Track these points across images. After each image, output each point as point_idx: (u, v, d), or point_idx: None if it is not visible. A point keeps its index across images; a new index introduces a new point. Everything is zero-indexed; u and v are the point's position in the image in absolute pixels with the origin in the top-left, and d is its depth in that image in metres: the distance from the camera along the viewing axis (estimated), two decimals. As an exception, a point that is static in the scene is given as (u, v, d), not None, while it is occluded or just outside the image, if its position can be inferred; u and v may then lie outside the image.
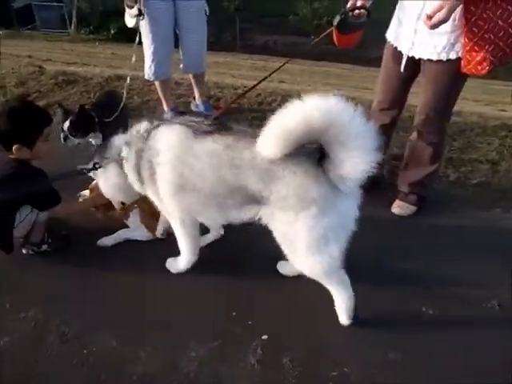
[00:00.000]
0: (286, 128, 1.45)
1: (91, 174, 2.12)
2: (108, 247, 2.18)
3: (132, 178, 1.92)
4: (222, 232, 2.21)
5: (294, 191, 1.54)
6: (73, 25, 16.88)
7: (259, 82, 2.22)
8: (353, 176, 1.47)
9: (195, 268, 2.05)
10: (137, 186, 1.94)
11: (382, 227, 2.43)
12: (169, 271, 2.05)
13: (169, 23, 3.05)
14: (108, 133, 2.54)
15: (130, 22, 3.00)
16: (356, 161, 1.43)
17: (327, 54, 16.10)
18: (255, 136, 1.55)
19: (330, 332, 1.80)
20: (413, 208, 2.53)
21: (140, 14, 2.89)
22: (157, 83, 3.36)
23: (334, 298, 1.80)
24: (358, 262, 2.11)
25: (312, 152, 1.54)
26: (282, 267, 2.03)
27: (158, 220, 2.18)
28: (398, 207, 2.54)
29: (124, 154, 1.91)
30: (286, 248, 1.69)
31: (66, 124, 2.54)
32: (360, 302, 1.90)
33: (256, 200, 1.63)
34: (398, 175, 2.76)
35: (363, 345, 1.75)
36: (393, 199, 2.60)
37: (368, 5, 2.02)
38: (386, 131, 2.55)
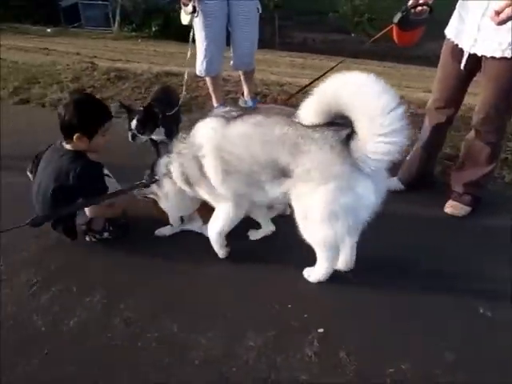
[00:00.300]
0: (320, 96, 1.56)
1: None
2: (165, 237, 2.26)
3: (181, 182, 2.01)
4: (273, 228, 2.24)
5: (317, 165, 1.63)
6: (116, 23, 17.34)
7: (314, 81, 2.26)
8: (377, 156, 1.52)
9: (250, 259, 2.10)
10: (187, 190, 2.03)
11: (435, 227, 2.41)
12: (225, 261, 2.11)
13: (222, 20, 3.11)
14: (168, 127, 2.64)
15: (184, 18, 3.08)
16: (380, 139, 1.48)
17: (367, 51, 15.89)
18: (283, 112, 1.72)
19: (385, 328, 1.81)
20: (467, 209, 2.48)
21: (194, 11, 2.96)
22: (207, 79, 3.43)
23: (318, 260, 1.93)
24: (410, 261, 2.13)
25: (340, 130, 1.61)
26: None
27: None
28: (452, 207, 2.49)
29: (170, 163, 2.02)
30: (298, 216, 1.79)
31: (134, 123, 2.58)
32: (415, 301, 1.91)
33: (285, 173, 1.72)
34: (450, 175, 2.72)
35: (419, 343, 1.74)
36: (445, 199, 2.56)
37: (430, 1, 1.99)
38: (441, 130, 2.52)
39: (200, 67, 3.29)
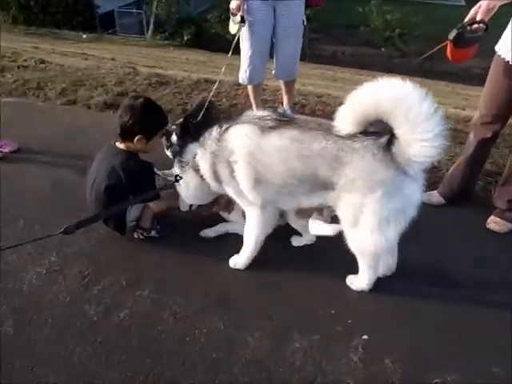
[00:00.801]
0: (357, 104, 1.60)
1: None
2: (210, 238, 2.32)
3: (209, 178, 2.05)
4: (314, 238, 2.25)
5: (361, 174, 1.67)
6: (150, 31, 17.75)
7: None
8: (420, 159, 1.58)
9: (294, 264, 2.14)
10: (214, 186, 2.08)
11: (477, 242, 2.40)
12: (271, 264, 2.15)
13: (268, 30, 3.19)
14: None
15: (233, 28, 3.16)
16: (423, 144, 1.53)
17: (396, 66, 15.86)
18: (319, 126, 1.74)
19: (431, 337, 1.82)
20: (510, 225, 2.46)
21: (243, 21, 3.05)
22: (249, 87, 3.50)
23: (361, 270, 1.95)
24: (454, 274, 2.13)
25: (379, 136, 1.65)
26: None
27: None
28: (495, 223, 2.48)
29: (199, 157, 2.06)
30: (346, 226, 1.82)
31: (174, 138, 2.47)
32: (460, 313, 1.91)
33: (324, 186, 1.76)
34: (490, 191, 2.72)
35: (466, 355, 1.75)
36: (486, 215, 2.55)
37: (487, 19, 2.02)
38: (486, 145, 2.52)
39: (243, 75, 3.37)
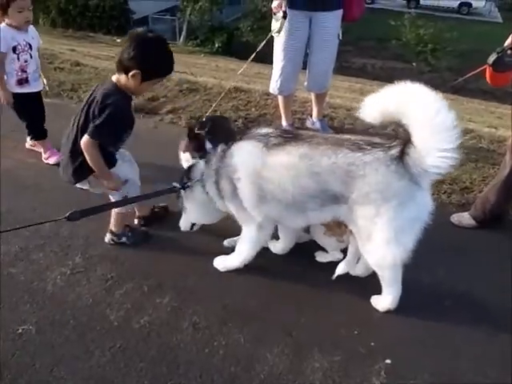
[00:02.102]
0: (384, 100, 1.62)
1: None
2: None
3: (213, 194, 2.04)
4: (341, 256, 2.18)
5: (376, 187, 1.65)
6: (182, 37, 18.06)
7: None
8: (436, 170, 1.58)
9: (317, 282, 2.10)
10: (218, 202, 2.06)
11: (508, 268, 2.31)
12: (293, 281, 2.12)
13: (303, 41, 3.19)
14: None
15: (275, 25, 3.13)
16: (440, 154, 1.53)
17: (426, 81, 15.60)
18: (326, 141, 1.73)
19: (457, 366, 1.75)
20: (544, 253, 2.36)
21: (285, 16, 3.02)
22: (279, 97, 3.50)
23: (384, 287, 1.91)
24: (485, 299, 2.06)
25: (390, 149, 1.65)
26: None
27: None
28: (528, 249, 2.39)
29: (204, 173, 2.04)
30: (361, 239, 1.79)
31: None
32: (488, 339, 1.84)
33: (336, 200, 1.74)
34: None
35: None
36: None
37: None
38: (521, 168, 2.43)
39: (274, 85, 3.37)
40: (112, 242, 2.31)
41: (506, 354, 1.79)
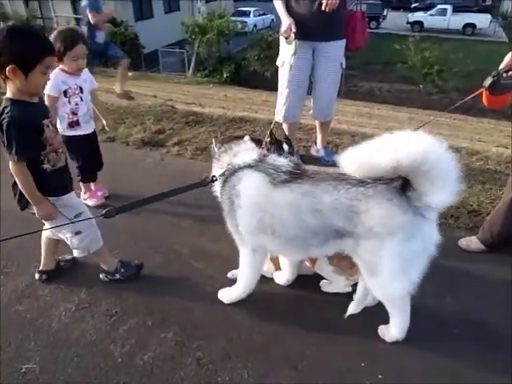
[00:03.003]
0: (374, 162, 1.57)
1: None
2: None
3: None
4: (349, 289, 2.14)
5: (379, 221, 1.62)
6: (191, 68, 18.49)
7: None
8: (439, 205, 1.58)
9: (323, 313, 2.07)
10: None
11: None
12: (298, 312, 2.09)
13: (307, 71, 3.25)
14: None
15: (287, 50, 3.16)
16: (442, 193, 1.53)
17: (435, 102, 15.66)
18: (329, 176, 1.70)
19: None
20: (556, 276, 2.30)
21: (296, 37, 3.05)
22: (285, 125, 3.53)
23: (391, 317, 1.88)
24: (493, 328, 2.00)
25: (391, 182, 1.61)
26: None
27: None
28: (539, 273, 2.33)
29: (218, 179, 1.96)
30: (367, 273, 1.76)
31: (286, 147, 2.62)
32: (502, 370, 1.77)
33: (339, 235, 1.71)
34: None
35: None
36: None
37: (523, 65, 1.96)
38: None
39: (279, 113, 3.41)
40: (107, 280, 2.31)
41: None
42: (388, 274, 1.70)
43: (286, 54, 3.19)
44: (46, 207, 1.96)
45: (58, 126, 2.68)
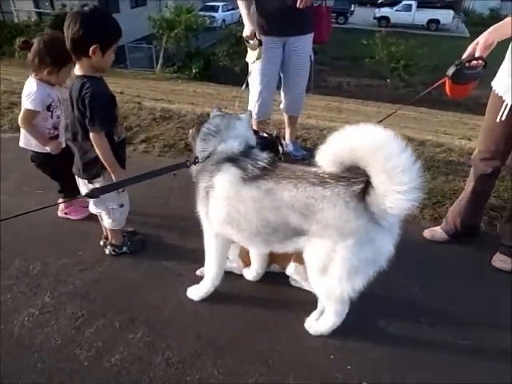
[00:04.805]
0: (337, 147, 1.56)
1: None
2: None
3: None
4: None
5: (333, 222, 1.61)
6: (159, 64, 18.24)
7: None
8: (394, 211, 1.51)
9: (294, 307, 2.08)
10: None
11: (481, 281, 2.33)
12: (268, 307, 2.10)
13: (277, 66, 3.25)
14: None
15: (251, 55, 3.15)
16: (399, 196, 1.47)
17: (401, 96, 16.00)
18: (293, 174, 1.70)
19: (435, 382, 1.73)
20: (516, 263, 2.39)
21: (260, 43, 3.05)
22: (255, 122, 3.51)
23: (326, 314, 1.91)
24: (458, 316, 2.06)
25: (352, 183, 1.59)
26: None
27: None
28: (500, 261, 2.41)
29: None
30: (314, 271, 1.76)
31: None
32: (466, 356, 1.82)
33: (297, 233, 1.71)
34: (496, 226, 2.65)
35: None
36: (492, 252, 2.48)
37: (485, 55, 2.01)
38: (487, 181, 2.48)
39: (252, 110, 3.39)
40: (114, 253, 2.42)
41: (482, 367, 1.79)
42: (333, 275, 1.69)
43: (251, 57, 3.18)
44: (121, 172, 2.14)
45: (35, 143, 2.49)
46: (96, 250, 2.47)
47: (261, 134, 2.97)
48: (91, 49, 1.91)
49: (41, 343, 1.89)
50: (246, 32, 3.07)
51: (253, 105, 3.37)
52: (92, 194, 1.87)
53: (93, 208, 2.33)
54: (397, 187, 1.46)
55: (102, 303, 2.11)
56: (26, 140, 2.54)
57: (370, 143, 1.48)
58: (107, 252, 2.43)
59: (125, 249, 2.44)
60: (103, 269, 2.31)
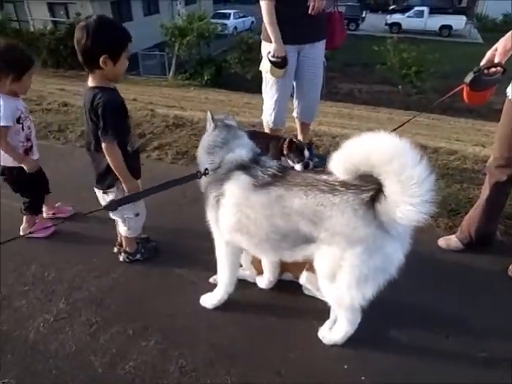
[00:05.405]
0: (351, 153, 1.56)
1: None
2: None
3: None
4: None
5: (341, 229, 1.60)
6: (171, 71, 18.41)
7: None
8: (404, 222, 1.50)
9: (309, 317, 2.08)
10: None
11: (498, 291, 2.29)
12: (280, 313, 2.09)
13: (292, 73, 3.24)
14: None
15: (275, 72, 3.14)
16: (410, 208, 1.45)
17: (413, 102, 15.91)
18: (303, 181, 1.69)
19: None
20: (533, 273, 2.35)
21: (286, 63, 3.07)
22: (270, 130, 3.51)
23: (338, 323, 1.89)
24: (472, 326, 2.03)
25: (362, 191, 1.58)
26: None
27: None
28: (517, 270, 2.38)
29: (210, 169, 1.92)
30: (323, 278, 1.76)
31: (307, 153, 2.96)
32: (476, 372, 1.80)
33: (307, 240, 1.70)
34: (512, 235, 2.62)
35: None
36: (508, 261, 2.44)
37: (504, 61, 1.99)
38: (502, 189, 2.44)
39: (268, 118, 3.39)
40: (127, 260, 2.45)
41: (501, 381, 1.76)
42: (343, 283, 1.68)
43: (275, 73, 3.16)
44: (133, 183, 2.18)
45: (8, 158, 2.42)
46: (110, 256, 2.49)
47: (293, 139, 3.05)
48: (101, 60, 1.92)
49: (56, 349, 1.91)
50: (278, 52, 3.04)
51: (269, 113, 3.36)
52: (109, 207, 1.90)
53: (110, 214, 2.34)
54: (409, 199, 1.45)
55: (116, 310, 2.13)
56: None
57: (385, 152, 1.46)
58: (121, 259, 2.45)
59: (138, 256, 2.46)
60: (117, 276, 2.33)
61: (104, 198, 2.23)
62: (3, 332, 2.00)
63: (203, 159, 1.96)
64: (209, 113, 2.00)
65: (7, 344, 1.93)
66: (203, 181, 1.96)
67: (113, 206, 1.89)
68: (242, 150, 1.89)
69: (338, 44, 3.36)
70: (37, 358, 1.87)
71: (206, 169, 1.92)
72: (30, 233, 2.61)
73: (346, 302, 1.75)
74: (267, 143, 3.10)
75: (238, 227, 1.83)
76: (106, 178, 2.17)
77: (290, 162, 2.99)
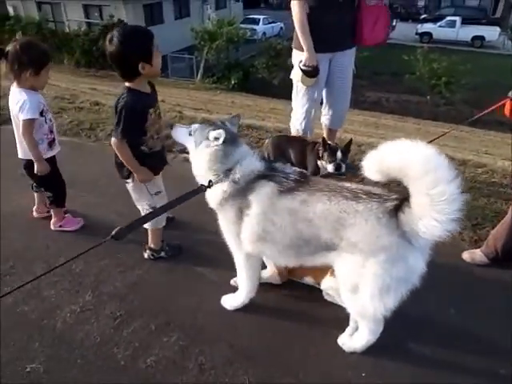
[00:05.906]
0: (385, 157, 1.54)
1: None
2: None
3: (215, 200, 1.94)
4: None
5: (364, 238, 1.60)
6: (199, 74, 18.65)
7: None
8: (426, 236, 1.50)
9: (328, 322, 2.08)
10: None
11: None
12: (300, 316, 2.11)
13: (323, 81, 3.27)
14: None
15: (307, 81, 3.18)
16: (435, 224, 1.45)
17: (442, 114, 15.64)
18: (327, 187, 1.71)
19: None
20: (560, 291, 2.30)
21: (318, 72, 3.10)
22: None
23: (360, 331, 1.88)
24: (495, 342, 2.00)
25: (386, 201, 1.59)
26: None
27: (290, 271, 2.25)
28: (543, 288, 2.32)
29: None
30: (345, 287, 1.75)
31: (339, 154, 2.93)
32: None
33: (328, 247, 1.71)
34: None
35: None
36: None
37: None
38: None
39: (298, 126, 3.43)
40: (152, 257, 2.51)
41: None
42: (365, 293, 1.68)
43: (303, 82, 3.19)
44: (144, 172, 2.27)
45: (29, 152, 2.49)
46: (135, 252, 2.55)
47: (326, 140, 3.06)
48: (139, 67, 2.05)
49: (81, 340, 1.98)
50: (310, 61, 3.06)
51: (299, 122, 3.40)
52: (117, 235, 1.71)
53: (136, 204, 2.44)
54: (436, 215, 1.44)
55: (140, 305, 2.19)
56: (23, 150, 2.56)
57: (422, 164, 1.45)
58: (146, 256, 2.51)
59: (163, 253, 2.52)
60: (142, 272, 2.39)
61: (128, 187, 2.38)
62: (32, 320, 2.08)
63: (203, 172, 1.92)
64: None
65: (35, 332, 2.01)
66: (215, 197, 1.91)
67: (121, 233, 1.74)
68: (252, 159, 1.90)
69: (379, 38, 3.21)
70: (63, 347, 1.94)
71: (210, 181, 1.90)
72: (60, 226, 2.77)
73: (369, 313, 1.74)
74: (303, 148, 3.12)
75: (263, 235, 1.84)
76: (122, 169, 2.31)
77: (323, 163, 2.97)
